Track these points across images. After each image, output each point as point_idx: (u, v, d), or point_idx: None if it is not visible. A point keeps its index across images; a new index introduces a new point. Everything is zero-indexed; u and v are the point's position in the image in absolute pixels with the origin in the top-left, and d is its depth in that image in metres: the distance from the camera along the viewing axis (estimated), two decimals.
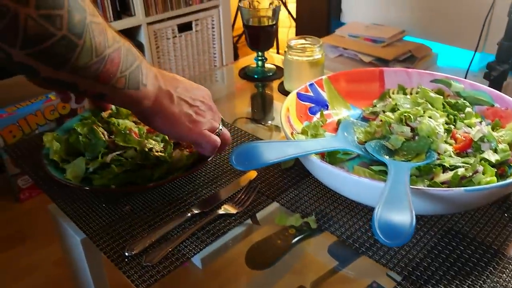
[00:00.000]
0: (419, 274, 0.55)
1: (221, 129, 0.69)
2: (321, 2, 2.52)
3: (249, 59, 1.30)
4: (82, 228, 0.65)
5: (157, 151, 0.73)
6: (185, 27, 2.34)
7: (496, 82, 0.83)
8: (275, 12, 1.09)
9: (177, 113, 0.62)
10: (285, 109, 0.78)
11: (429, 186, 0.64)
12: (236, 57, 2.94)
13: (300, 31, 2.69)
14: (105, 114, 0.85)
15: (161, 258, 0.59)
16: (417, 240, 0.60)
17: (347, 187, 0.61)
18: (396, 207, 0.50)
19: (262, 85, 1.17)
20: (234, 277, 0.57)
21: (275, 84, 1.16)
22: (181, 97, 0.63)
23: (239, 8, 1.10)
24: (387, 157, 0.69)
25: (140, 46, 2.21)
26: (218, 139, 0.66)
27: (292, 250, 0.60)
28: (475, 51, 1.44)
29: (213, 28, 2.47)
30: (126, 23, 2.14)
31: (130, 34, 2.22)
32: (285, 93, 1.08)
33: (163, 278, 0.56)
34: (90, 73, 0.51)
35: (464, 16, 2.03)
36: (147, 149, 0.72)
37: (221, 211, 0.66)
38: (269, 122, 1.01)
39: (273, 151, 0.60)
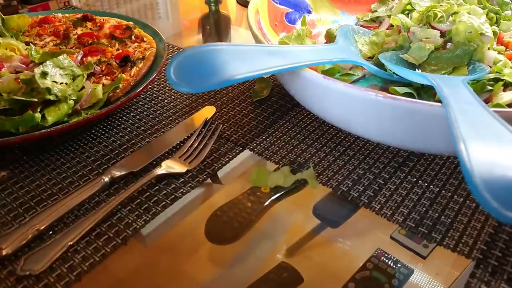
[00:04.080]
0: (499, 254, 0.33)
1: None
2: None
3: None
4: None
5: (55, 81, 0.45)
6: None
7: None
8: None
9: None
10: (254, 10, 0.52)
11: None
12: None
13: None
14: None
15: (51, 262, 0.33)
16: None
17: (378, 122, 0.36)
18: (495, 144, 0.25)
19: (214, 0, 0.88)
20: (191, 255, 0.33)
21: None
22: None
23: None
24: (419, 71, 0.45)
25: None
26: None
27: (267, 215, 0.37)
28: None
29: None
30: None
31: None
32: (245, 4, 0.80)
33: None
34: None
35: None
36: (39, 74, 0.44)
37: (161, 171, 0.40)
38: None
39: (244, 61, 0.34)
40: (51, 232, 0.35)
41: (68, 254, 0.34)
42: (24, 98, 0.42)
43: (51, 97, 0.43)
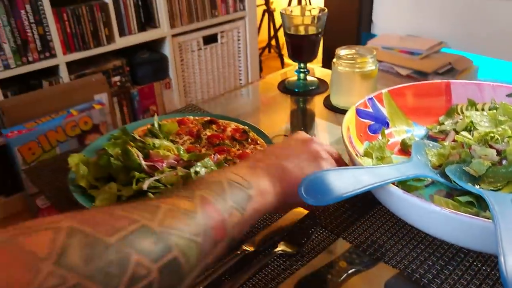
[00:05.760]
0: None
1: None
2: (350, 12, 2.43)
3: (281, 73, 1.20)
4: None
5: None
6: (210, 39, 2.26)
7: None
8: (320, 19, 0.99)
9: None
10: (346, 128, 0.68)
11: None
12: (260, 70, 2.86)
13: (328, 44, 2.58)
14: (138, 133, 0.76)
15: None
16: None
17: (442, 227, 0.50)
18: None
19: (303, 100, 1.07)
20: None
21: (317, 99, 1.05)
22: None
23: (281, 15, 1.01)
24: (478, 186, 0.58)
25: (164, 59, 2.13)
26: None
27: (344, 287, 0.51)
28: None
29: (239, 40, 2.38)
30: (150, 35, 2.07)
31: (155, 46, 2.15)
32: (332, 108, 0.97)
33: None
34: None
35: (508, 24, 1.91)
36: (193, 173, 0.62)
37: (279, 250, 0.55)
38: None
39: (346, 180, 0.50)
40: None
41: None
42: None
43: None
